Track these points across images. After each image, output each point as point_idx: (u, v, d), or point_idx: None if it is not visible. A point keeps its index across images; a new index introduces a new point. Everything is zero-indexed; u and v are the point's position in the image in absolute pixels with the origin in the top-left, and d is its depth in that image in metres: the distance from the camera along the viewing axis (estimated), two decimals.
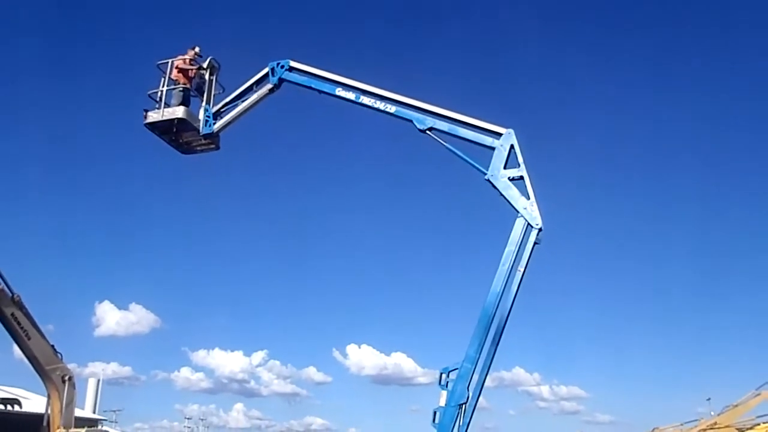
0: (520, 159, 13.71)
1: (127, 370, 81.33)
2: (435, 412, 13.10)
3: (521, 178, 13.58)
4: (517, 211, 13.39)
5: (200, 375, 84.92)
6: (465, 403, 12.86)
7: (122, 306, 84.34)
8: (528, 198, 13.40)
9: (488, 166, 13.85)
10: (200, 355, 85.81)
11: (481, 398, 13.11)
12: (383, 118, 15.38)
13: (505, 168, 13.76)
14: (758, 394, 33.82)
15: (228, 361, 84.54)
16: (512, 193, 13.54)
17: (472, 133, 14.39)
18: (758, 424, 30.30)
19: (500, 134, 14.04)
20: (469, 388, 12.90)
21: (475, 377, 13.01)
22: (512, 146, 13.83)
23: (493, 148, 13.99)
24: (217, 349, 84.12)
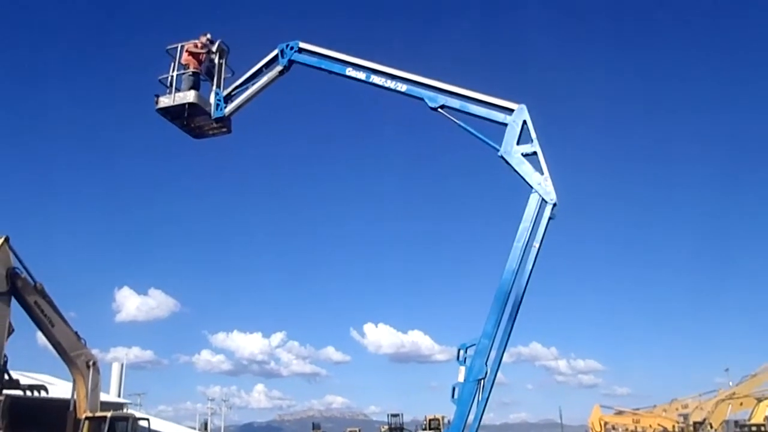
0: (533, 134, 13.63)
1: (149, 354, 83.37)
2: (454, 388, 13.27)
3: (534, 153, 13.50)
4: (531, 187, 13.35)
5: (221, 357, 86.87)
6: (483, 379, 13.01)
7: (141, 291, 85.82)
8: (542, 173, 13.36)
9: (501, 143, 13.80)
10: (220, 338, 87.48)
11: (499, 373, 13.26)
12: (397, 99, 15.29)
13: (518, 144, 13.69)
14: None
15: (247, 343, 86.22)
16: (526, 168, 13.48)
17: (484, 109, 14.29)
18: None
19: (512, 110, 13.94)
20: (487, 363, 13.03)
21: (493, 353, 13.14)
22: (525, 122, 13.75)
23: (505, 125, 13.91)
24: (236, 332, 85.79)
